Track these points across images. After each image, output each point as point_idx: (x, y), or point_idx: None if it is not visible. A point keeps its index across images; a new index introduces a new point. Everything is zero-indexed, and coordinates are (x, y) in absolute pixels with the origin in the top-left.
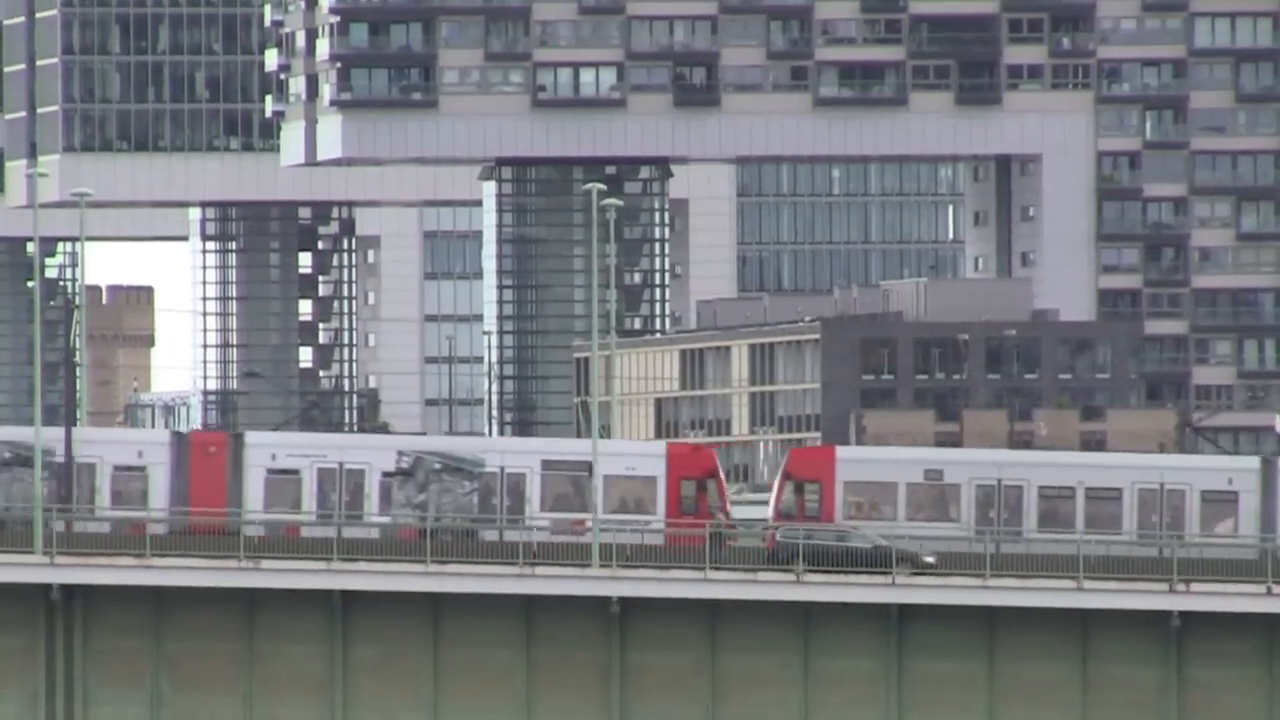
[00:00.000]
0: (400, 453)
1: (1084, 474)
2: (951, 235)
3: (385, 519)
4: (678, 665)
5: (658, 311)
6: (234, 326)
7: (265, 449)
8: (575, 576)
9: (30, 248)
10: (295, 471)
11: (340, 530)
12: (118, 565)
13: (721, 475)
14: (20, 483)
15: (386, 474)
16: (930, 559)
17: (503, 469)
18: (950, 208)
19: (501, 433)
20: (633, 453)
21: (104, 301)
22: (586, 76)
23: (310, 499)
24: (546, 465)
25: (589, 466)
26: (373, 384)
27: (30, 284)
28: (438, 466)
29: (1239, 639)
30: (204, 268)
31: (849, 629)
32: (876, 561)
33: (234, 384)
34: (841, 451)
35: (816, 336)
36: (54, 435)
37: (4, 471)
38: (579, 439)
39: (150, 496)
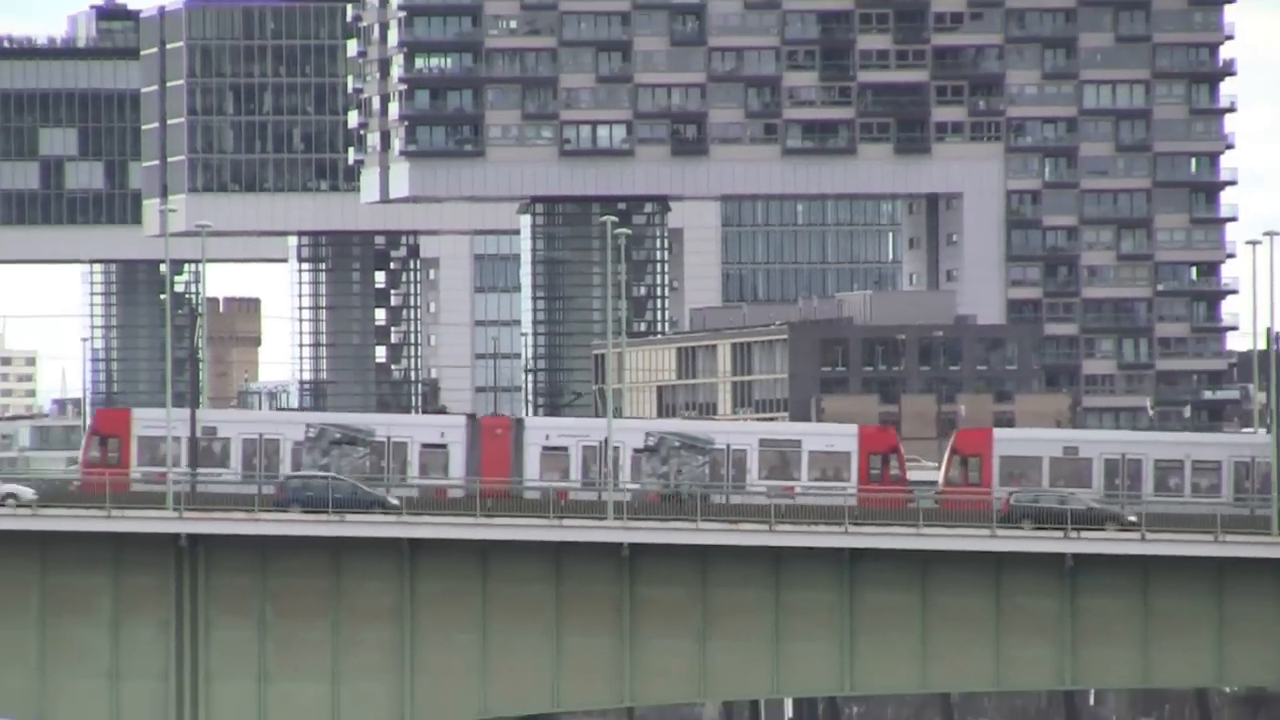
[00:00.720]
0: (648, 434)
1: (1191, 449)
2: (891, 256)
3: (635, 485)
4: (675, 597)
5: (659, 318)
6: (323, 330)
7: (541, 430)
8: (594, 527)
9: (163, 268)
10: (564, 449)
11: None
12: (231, 519)
13: (901, 450)
14: (347, 458)
15: (637, 450)
16: (1133, 518)
17: (729, 446)
18: (890, 235)
19: (536, 414)
20: (831, 433)
21: (220, 310)
22: (602, 131)
23: (576, 470)
24: (763, 443)
25: (799, 444)
26: (433, 375)
27: (163, 297)
28: (677, 444)
29: (1118, 575)
30: (300, 283)
31: (811, 568)
32: (1090, 520)
33: (324, 375)
34: (998, 432)
35: (785, 337)
36: (371, 420)
37: (335, 448)
38: (780, 423)
39: (450, 468)
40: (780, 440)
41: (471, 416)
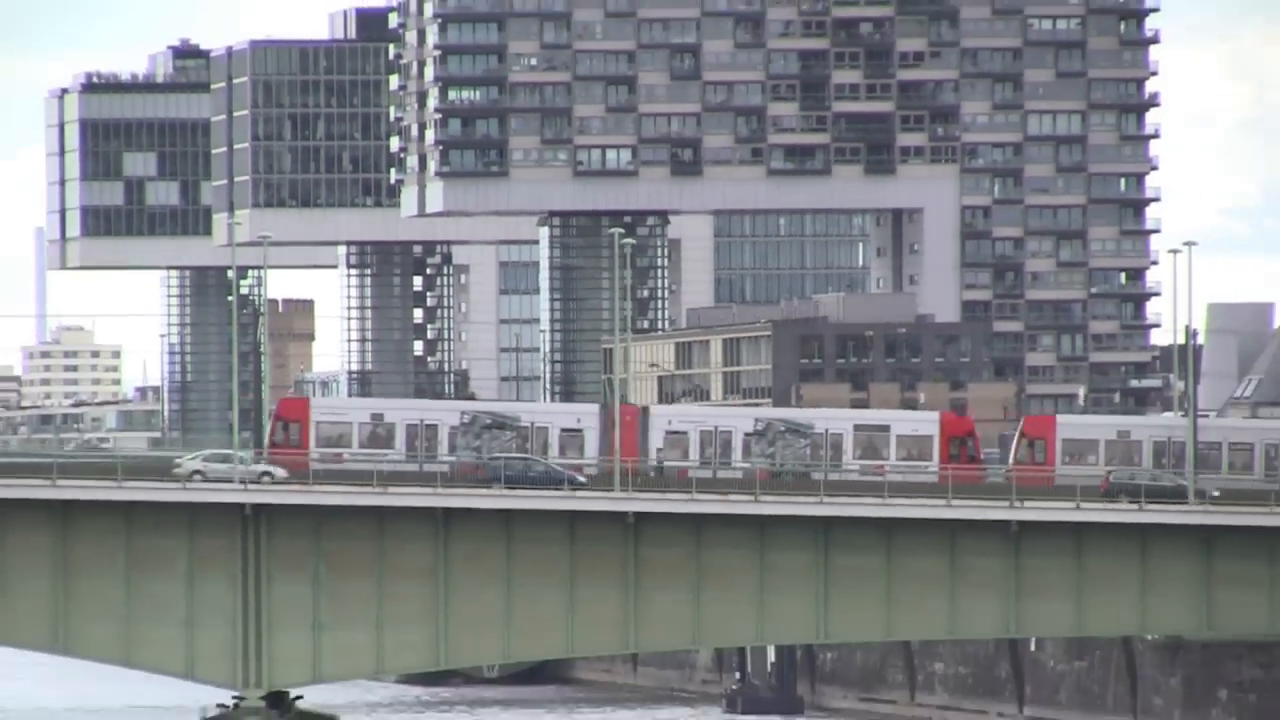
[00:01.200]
0: (756, 419)
1: (1227, 433)
2: (861, 263)
3: (746, 464)
4: (673, 558)
5: (659, 316)
6: (368, 327)
7: (664, 417)
8: (603, 497)
9: (230, 273)
10: (684, 433)
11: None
12: (288, 490)
13: (977, 434)
14: (496, 440)
15: (747, 434)
16: (1216, 493)
17: (827, 430)
18: (860, 245)
19: (553, 399)
20: (917, 419)
21: (279, 310)
22: (611, 155)
23: (695, 451)
24: (857, 428)
25: (888, 428)
26: (464, 366)
27: (230, 299)
28: (782, 429)
29: (1057, 538)
30: (348, 287)
31: (792, 533)
32: (1178, 495)
33: (369, 366)
34: (1061, 418)
35: (769, 333)
36: (516, 408)
37: (486, 433)
38: (871, 410)
39: (585, 449)
40: (872, 425)
41: (603, 405)
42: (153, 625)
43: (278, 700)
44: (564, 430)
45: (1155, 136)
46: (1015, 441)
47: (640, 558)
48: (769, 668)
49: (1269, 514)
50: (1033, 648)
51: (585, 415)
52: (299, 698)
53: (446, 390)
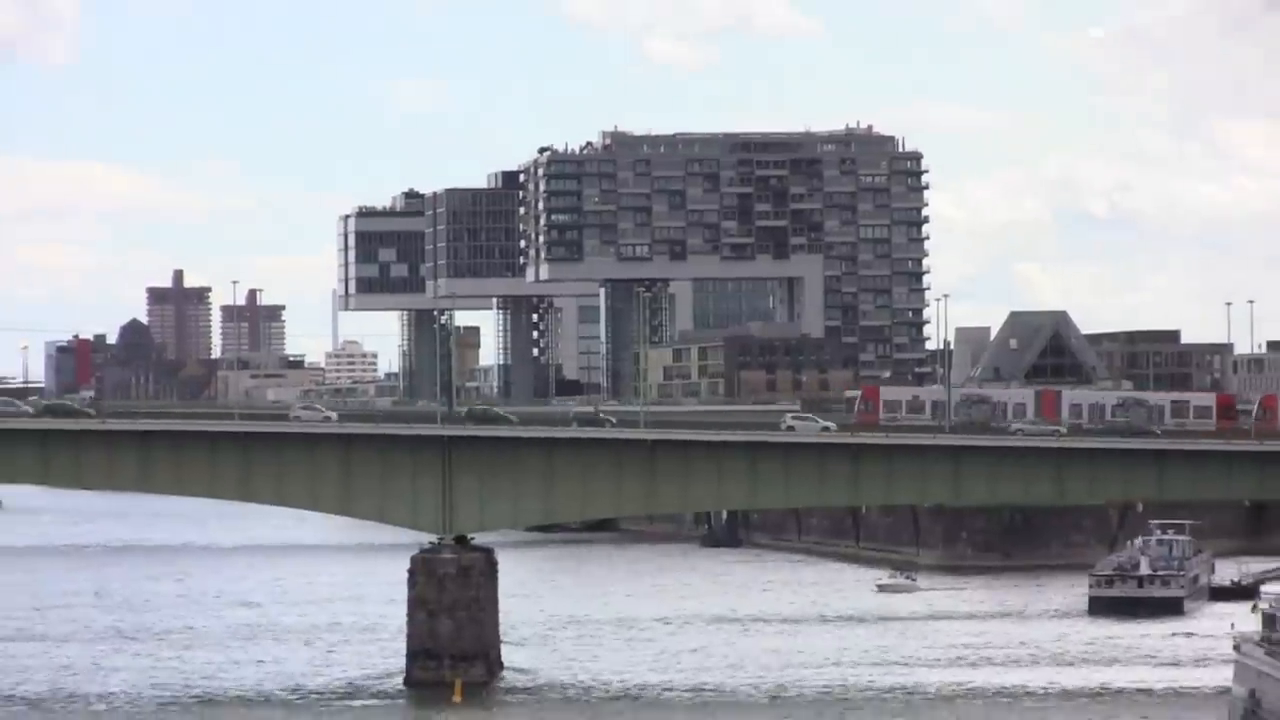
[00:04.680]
0: (1120, 398)
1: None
2: (771, 305)
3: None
4: (675, 466)
5: (664, 336)
6: (508, 342)
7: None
8: (630, 428)
9: (435, 312)
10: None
11: None
12: (463, 429)
13: (1238, 407)
14: (1135, 416)
15: (1114, 405)
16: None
17: (1153, 403)
18: (771, 296)
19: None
20: (1204, 397)
21: (461, 332)
22: (637, 249)
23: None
24: (1173, 402)
25: (1187, 401)
26: (559, 363)
27: (435, 325)
28: (1134, 402)
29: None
30: (498, 319)
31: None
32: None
33: (509, 363)
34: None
35: (722, 344)
36: (1145, 396)
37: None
38: (1180, 392)
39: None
40: (1179, 401)
41: (1218, 394)
42: (398, 497)
43: (460, 540)
44: (1196, 407)
45: (926, 238)
46: (1256, 407)
47: (657, 469)
48: (723, 521)
49: (995, 439)
50: (864, 510)
51: (1202, 400)
52: (472, 539)
53: (550, 377)
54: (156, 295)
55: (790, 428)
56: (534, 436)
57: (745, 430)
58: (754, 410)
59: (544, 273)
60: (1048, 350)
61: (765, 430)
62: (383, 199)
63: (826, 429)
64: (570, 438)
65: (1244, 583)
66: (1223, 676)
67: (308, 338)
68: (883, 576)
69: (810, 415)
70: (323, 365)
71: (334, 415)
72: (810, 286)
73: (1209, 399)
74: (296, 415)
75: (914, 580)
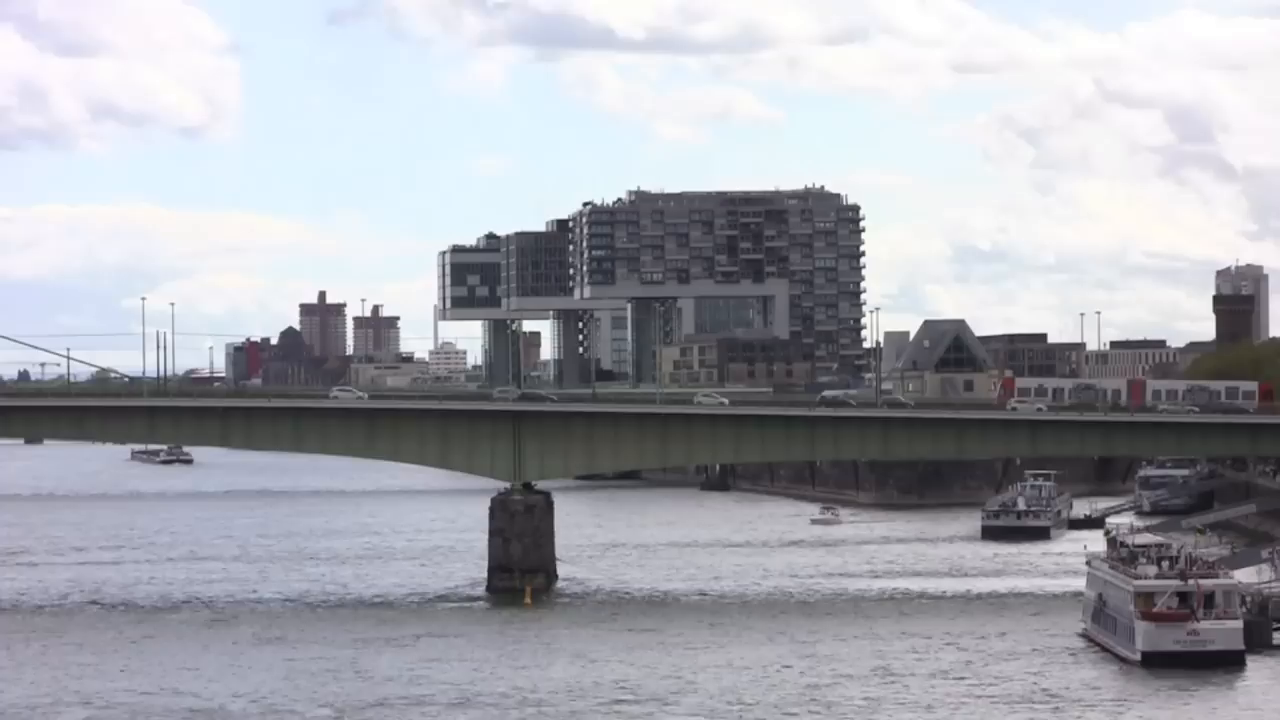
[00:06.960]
0: (1190, 385)
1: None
2: (751, 316)
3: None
4: (694, 431)
5: (674, 337)
6: (560, 344)
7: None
8: (650, 404)
9: (507, 321)
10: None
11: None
12: (543, 409)
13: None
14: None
15: (1184, 391)
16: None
17: (1212, 389)
18: (751, 309)
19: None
20: (1239, 388)
21: (526, 336)
22: (654, 275)
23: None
24: (1226, 389)
25: (1238, 388)
26: (597, 358)
27: (508, 332)
28: (1198, 389)
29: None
30: (555, 327)
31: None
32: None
33: (561, 358)
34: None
35: (715, 344)
36: (1220, 384)
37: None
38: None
39: None
40: (1228, 389)
41: (1260, 383)
42: (481, 455)
43: (526, 486)
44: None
45: (864, 267)
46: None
47: (668, 434)
48: (717, 471)
49: (933, 411)
50: (818, 464)
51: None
52: (534, 485)
53: (592, 369)
54: (306, 309)
55: (699, 401)
56: (579, 411)
57: (732, 407)
58: (739, 393)
59: (587, 293)
60: (951, 348)
61: (745, 406)
62: (470, 239)
63: (722, 403)
64: (606, 412)
65: (1094, 516)
66: (1079, 584)
67: (416, 339)
68: (814, 513)
69: (714, 394)
70: (427, 360)
71: (365, 395)
72: (779, 303)
73: (1253, 387)
74: (335, 396)
75: (836, 516)
